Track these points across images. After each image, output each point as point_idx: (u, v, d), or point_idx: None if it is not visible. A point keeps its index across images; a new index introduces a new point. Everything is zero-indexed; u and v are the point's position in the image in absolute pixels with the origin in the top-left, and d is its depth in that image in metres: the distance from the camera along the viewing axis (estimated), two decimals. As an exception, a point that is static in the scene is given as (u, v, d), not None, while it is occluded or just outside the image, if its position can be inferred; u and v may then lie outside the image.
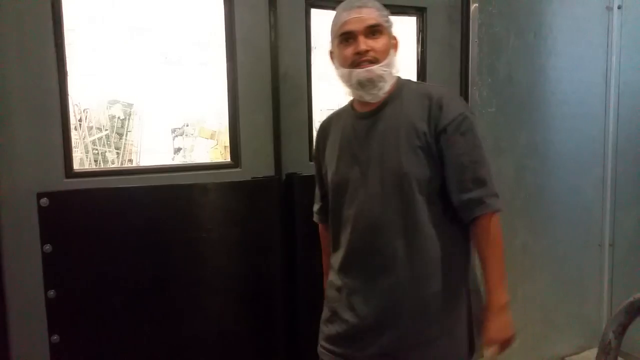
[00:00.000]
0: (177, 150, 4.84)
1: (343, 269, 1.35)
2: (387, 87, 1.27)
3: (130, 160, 4.85)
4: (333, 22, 1.31)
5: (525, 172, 2.21)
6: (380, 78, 1.25)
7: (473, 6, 2.03)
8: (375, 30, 1.26)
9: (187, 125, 4.94)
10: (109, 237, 1.54)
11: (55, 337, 1.49)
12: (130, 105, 4.48)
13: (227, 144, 1.81)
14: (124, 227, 1.55)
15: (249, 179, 1.71)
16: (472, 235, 1.27)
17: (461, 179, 1.23)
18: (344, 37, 1.27)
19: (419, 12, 2.00)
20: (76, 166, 1.59)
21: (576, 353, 2.42)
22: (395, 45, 1.33)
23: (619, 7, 2.33)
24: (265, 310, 1.73)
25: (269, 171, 1.75)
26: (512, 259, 2.22)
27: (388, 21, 1.30)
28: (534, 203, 2.25)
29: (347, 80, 1.28)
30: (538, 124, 2.23)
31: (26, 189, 1.46)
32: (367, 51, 1.24)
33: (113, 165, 4.09)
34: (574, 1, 2.26)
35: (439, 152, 1.24)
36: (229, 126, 1.73)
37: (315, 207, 1.53)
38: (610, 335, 0.93)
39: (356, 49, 1.25)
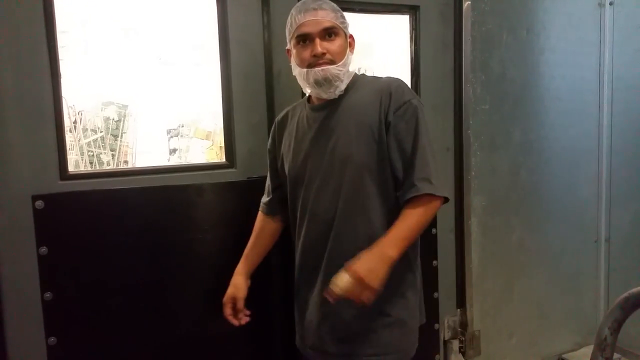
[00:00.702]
0: (173, 151, 4.83)
1: (300, 260, 1.41)
2: (343, 85, 1.31)
3: (126, 162, 4.83)
4: (289, 21, 1.33)
5: (520, 168, 2.22)
6: (336, 77, 1.29)
7: (465, 4, 2.03)
8: (330, 32, 1.29)
9: (183, 126, 4.93)
10: (105, 239, 1.54)
11: (52, 339, 1.49)
12: (125, 107, 4.46)
13: (223, 144, 1.81)
14: (120, 228, 1.55)
15: (244, 179, 1.71)
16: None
17: (403, 164, 1.27)
18: (300, 38, 1.30)
19: (412, 10, 2.00)
20: (71, 168, 1.59)
21: (573, 350, 2.43)
22: (351, 45, 1.36)
23: (611, 4, 2.34)
24: (262, 310, 1.73)
25: (264, 171, 1.75)
26: (508, 255, 2.23)
27: (344, 22, 1.33)
28: (529, 199, 2.26)
29: (305, 80, 1.32)
30: (532, 121, 2.24)
31: (21, 192, 1.46)
32: (323, 54, 1.27)
33: (108, 167, 4.08)
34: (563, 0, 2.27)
35: (388, 139, 1.28)
36: (223, 126, 1.73)
37: (265, 199, 1.56)
38: (606, 332, 0.93)
39: (313, 51, 1.28)
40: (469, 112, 2.05)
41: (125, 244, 1.56)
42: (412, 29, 2.02)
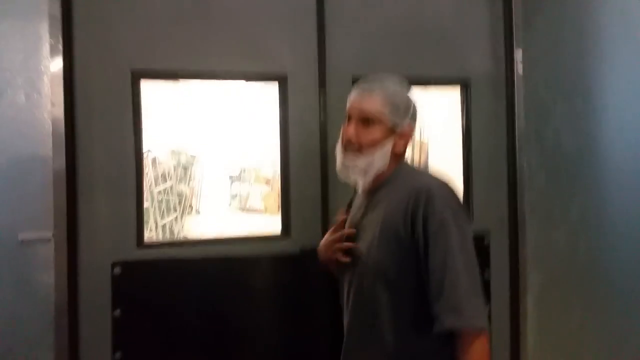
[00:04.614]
0: (234, 197, 5.11)
1: None
2: (364, 180, 1.21)
3: (191, 206, 5.16)
4: None
5: (579, 244, 2.13)
6: (353, 170, 1.20)
7: (517, 75, 2.05)
8: (369, 120, 1.18)
9: (244, 172, 5.22)
10: (172, 304, 1.69)
11: (122, 396, 1.63)
12: (193, 157, 4.84)
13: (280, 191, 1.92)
14: (185, 295, 1.70)
15: (298, 249, 1.81)
16: None
17: (432, 290, 1.09)
18: (347, 113, 1.24)
19: (463, 83, 2.05)
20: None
21: None
22: (403, 137, 1.22)
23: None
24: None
25: (318, 240, 1.84)
26: (568, 337, 2.10)
27: (394, 112, 1.19)
28: (590, 277, 2.13)
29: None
30: (591, 193, 2.16)
31: (103, 259, 1.65)
32: (350, 141, 1.19)
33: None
34: (623, 62, 2.22)
35: (417, 255, 1.12)
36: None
37: None
38: None
39: (346, 134, 1.21)
40: (523, 185, 2.04)
41: (189, 310, 1.70)
42: (463, 102, 2.06)
